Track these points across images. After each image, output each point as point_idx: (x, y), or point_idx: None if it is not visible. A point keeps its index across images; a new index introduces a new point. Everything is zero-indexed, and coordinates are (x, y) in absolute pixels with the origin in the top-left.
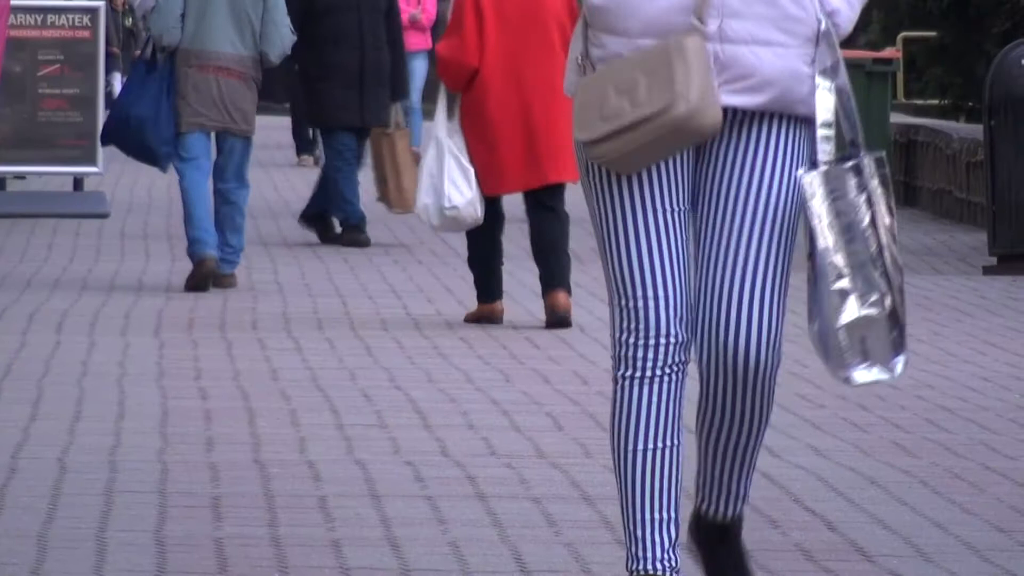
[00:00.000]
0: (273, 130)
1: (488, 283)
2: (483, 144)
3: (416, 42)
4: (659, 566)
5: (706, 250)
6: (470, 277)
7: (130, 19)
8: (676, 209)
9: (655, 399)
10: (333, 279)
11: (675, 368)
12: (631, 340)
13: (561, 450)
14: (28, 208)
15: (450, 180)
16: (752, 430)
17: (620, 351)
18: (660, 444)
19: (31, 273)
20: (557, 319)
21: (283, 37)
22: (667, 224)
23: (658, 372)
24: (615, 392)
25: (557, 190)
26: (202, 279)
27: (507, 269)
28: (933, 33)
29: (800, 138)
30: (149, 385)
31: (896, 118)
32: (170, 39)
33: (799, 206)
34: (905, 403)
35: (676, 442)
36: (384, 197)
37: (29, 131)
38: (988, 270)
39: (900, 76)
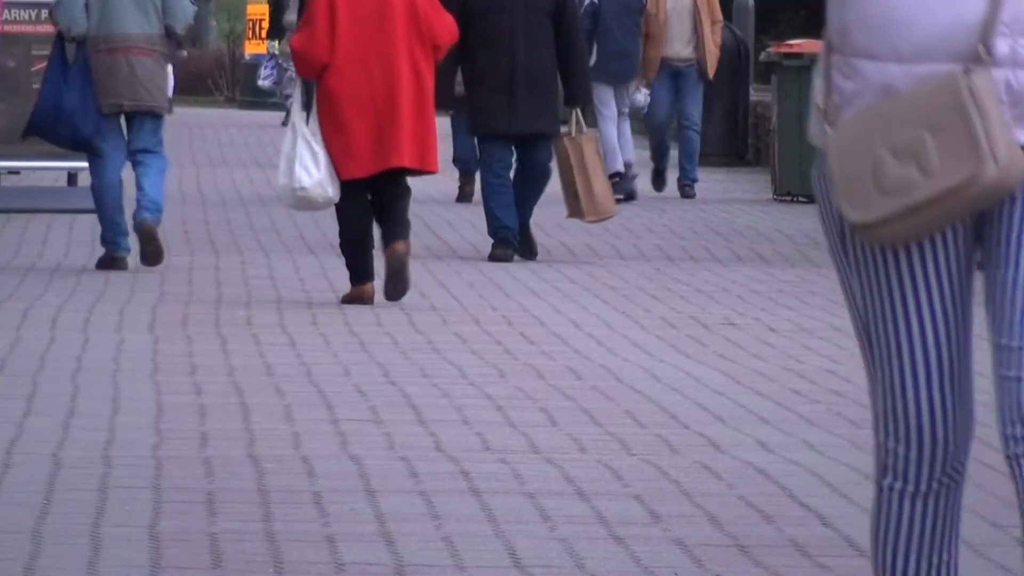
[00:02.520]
0: (271, 127)
1: (357, 266)
2: (336, 130)
3: None
4: None
5: (1000, 313)
6: (465, 274)
7: None
8: (959, 289)
9: (930, 514)
10: (327, 275)
11: (952, 477)
12: (901, 450)
13: (555, 445)
14: (22, 203)
15: (300, 163)
16: None
17: (888, 459)
18: (935, 561)
19: (25, 268)
20: (399, 265)
21: (184, 9)
22: (948, 310)
23: (933, 485)
24: (880, 500)
25: (402, 173)
26: (111, 266)
27: (504, 266)
28: None
29: None
30: (143, 380)
31: None
32: (77, 29)
33: None
34: None
35: (950, 556)
36: (575, 210)
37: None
38: (983, 265)
39: None
